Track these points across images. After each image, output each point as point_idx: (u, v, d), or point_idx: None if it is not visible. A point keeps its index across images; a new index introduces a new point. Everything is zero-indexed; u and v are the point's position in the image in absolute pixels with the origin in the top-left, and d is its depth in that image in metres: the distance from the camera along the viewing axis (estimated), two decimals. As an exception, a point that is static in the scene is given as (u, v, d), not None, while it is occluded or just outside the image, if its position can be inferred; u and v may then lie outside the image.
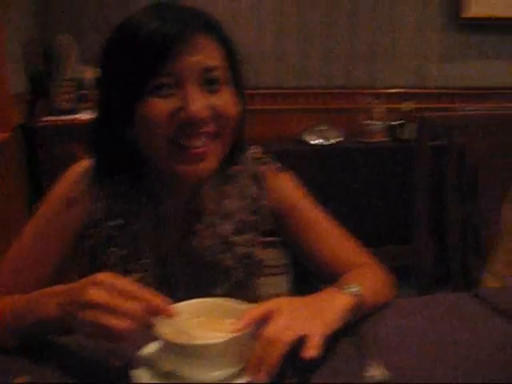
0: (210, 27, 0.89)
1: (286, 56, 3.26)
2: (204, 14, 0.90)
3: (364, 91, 3.26)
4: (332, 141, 3.01)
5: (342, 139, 3.04)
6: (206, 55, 0.87)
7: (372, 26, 3.32)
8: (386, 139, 3.05)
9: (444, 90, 3.43)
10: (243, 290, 1.05)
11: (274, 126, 3.22)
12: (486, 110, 3.06)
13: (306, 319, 0.75)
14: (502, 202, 1.63)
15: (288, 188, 1.10)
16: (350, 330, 0.86)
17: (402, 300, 1.01)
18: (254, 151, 1.09)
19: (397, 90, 3.36)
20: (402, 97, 3.27)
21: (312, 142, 3.02)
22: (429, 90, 3.41)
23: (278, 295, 0.82)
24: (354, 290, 0.86)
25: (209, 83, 0.88)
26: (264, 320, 0.73)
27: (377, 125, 3.05)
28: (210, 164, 0.90)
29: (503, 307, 0.97)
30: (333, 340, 0.79)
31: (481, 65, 3.50)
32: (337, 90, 3.32)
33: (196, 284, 1.03)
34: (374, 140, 3.03)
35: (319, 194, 3.09)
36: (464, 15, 3.39)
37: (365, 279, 0.94)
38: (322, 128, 3.07)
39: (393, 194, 2.76)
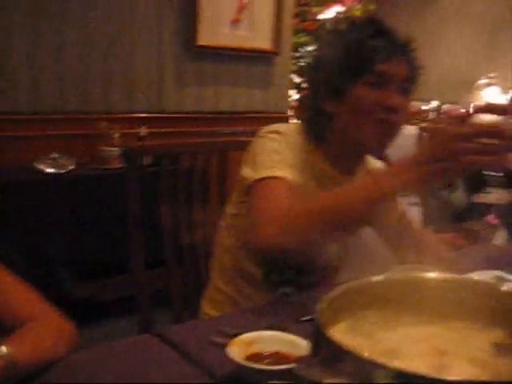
0: None
1: (16, 80, 3.04)
2: None
3: (100, 116, 3.19)
4: (68, 168, 2.89)
5: (76, 167, 2.92)
6: None
7: (108, 51, 3.28)
8: (122, 165, 3.00)
9: (180, 115, 3.53)
10: None
11: (5, 153, 2.98)
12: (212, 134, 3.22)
13: None
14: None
15: None
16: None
17: (81, 353, 0.96)
18: None
19: (135, 115, 3.36)
20: (140, 121, 3.28)
21: (47, 171, 2.85)
22: (166, 115, 3.49)
23: None
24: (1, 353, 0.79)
25: None
26: None
27: (113, 151, 3.01)
28: None
29: (179, 345, 0.99)
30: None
31: (214, 90, 3.69)
32: (71, 116, 3.19)
33: None
34: (111, 166, 2.98)
35: (54, 224, 2.89)
36: (197, 43, 3.55)
37: (26, 337, 0.87)
38: (55, 156, 2.91)
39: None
